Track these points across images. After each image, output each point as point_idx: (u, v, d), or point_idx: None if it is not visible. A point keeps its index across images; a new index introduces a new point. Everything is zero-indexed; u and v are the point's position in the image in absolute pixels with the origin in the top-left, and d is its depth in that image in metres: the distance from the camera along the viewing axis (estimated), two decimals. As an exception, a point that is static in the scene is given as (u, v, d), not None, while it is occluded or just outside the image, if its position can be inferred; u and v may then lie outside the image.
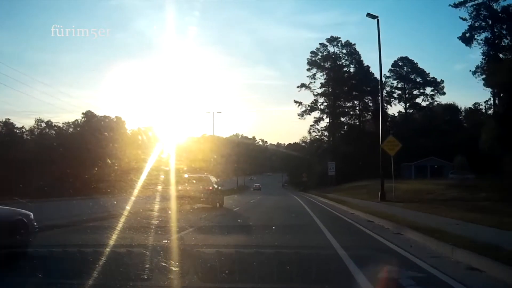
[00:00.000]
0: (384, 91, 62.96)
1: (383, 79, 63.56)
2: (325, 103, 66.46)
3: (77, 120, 61.40)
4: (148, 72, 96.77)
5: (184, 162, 17.86)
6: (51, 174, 22.86)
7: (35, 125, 61.66)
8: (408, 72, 63.20)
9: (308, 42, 75.03)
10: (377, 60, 21.02)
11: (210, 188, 19.17)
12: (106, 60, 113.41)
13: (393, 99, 65.08)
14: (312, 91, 66.60)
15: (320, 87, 65.83)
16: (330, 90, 65.38)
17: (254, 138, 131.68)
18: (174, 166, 15.05)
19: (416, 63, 63.46)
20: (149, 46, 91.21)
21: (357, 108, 66.56)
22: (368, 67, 65.15)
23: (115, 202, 14.80)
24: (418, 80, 63.10)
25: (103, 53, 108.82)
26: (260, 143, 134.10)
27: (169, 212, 13.44)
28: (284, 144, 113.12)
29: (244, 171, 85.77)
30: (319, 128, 66.72)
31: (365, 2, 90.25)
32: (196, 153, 26.36)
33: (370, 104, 65.33)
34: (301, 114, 67.25)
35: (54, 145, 33.35)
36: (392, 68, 63.37)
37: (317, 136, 68.39)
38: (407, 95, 64.08)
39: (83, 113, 67.01)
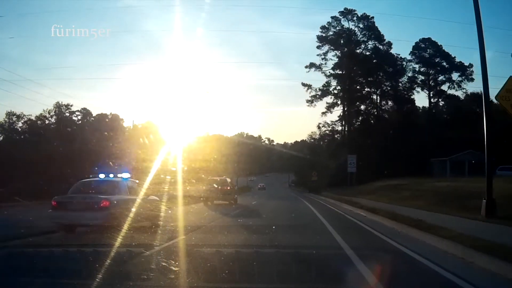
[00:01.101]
0: (405, 77, 60.19)
1: (403, 63, 58.96)
2: (339, 87, 59.29)
3: (49, 110, 59.12)
4: (153, 73, 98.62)
5: (185, 162, 18.56)
6: (40, 174, 23.04)
7: (5, 119, 57.85)
8: (431, 55, 57.66)
9: (314, 42, 73.94)
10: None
11: (228, 188, 24.79)
12: (112, 62, 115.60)
13: (416, 85, 59.20)
14: (324, 72, 59.23)
15: (333, 68, 58.81)
16: (344, 72, 58.26)
17: (260, 137, 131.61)
18: (176, 166, 16.30)
19: (440, 45, 57.88)
20: (156, 48, 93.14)
21: (376, 93, 59.80)
22: (389, 44, 57.87)
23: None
24: (443, 64, 57.63)
25: (109, 55, 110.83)
26: (266, 142, 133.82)
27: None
28: (291, 143, 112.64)
29: (248, 171, 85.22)
30: (329, 122, 60.45)
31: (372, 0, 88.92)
32: (198, 152, 26.82)
33: (389, 88, 59.28)
34: (311, 101, 59.65)
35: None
36: (414, 51, 58.14)
37: (327, 131, 62.21)
38: (431, 82, 58.41)
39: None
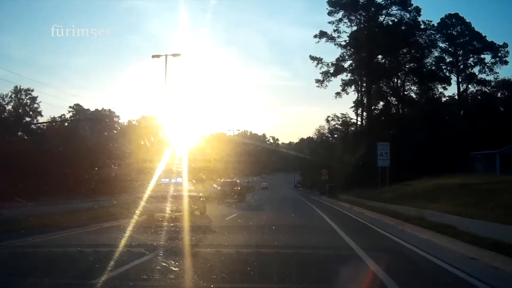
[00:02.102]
0: (430, 58, 53.07)
1: (426, 40, 51.32)
2: (356, 62, 50.89)
3: (3, 96, 52.40)
4: (159, 73, 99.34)
5: (185, 162, 18.97)
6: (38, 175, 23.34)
7: None
8: (460, 34, 52.08)
9: (320, 42, 73.33)
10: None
11: (238, 188, 30.10)
12: (114, 62, 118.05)
13: (444, 65, 52.23)
14: (337, 43, 50.59)
15: (349, 39, 50.25)
16: (362, 43, 49.33)
17: (264, 135, 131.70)
18: (175, 167, 17.22)
19: (469, 22, 52.42)
20: (161, 48, 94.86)
21: (401, 71, 51.64)
22: (417, 10, 49.59)
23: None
24: (474, 43, 51.58)
25: (113, 55, 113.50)
26: (271, 140, 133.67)
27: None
28: (296, 142, 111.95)
29: (251, 171, 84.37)
30: (339, 115, 53.79)
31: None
32: (198, 152, 27.46)
33: (415, 65, 50.54)
34: (321, 80, 51.64)
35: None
36: (439, 28, 52.01)
37: (337, 125, 55.31)
38: (460, 64, 52.43)
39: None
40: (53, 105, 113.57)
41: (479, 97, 52.04)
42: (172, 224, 11.67)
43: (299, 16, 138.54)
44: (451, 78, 51.77)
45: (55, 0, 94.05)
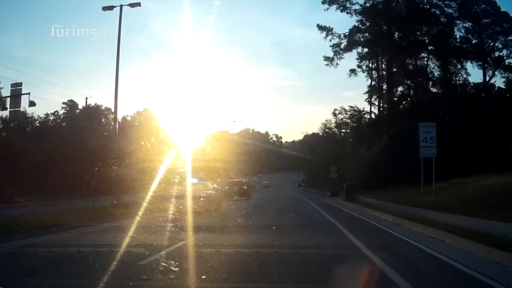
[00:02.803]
0: (454, 39, 47.72)
1: (456, 10, 45.42)
2: (373, 35, 42.59)
3: None
4: (161, 73, 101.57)
5: (185, 161, 19.43)
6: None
7: None
8: (484, 13, 46.86)
9: (323, 42, 72.35)
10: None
11: (245, 187, 35.26)
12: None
13: (468, 46, 46.01)
14: (350, 11, 41.66)
15: (364, 7, 41.83)
16: (379, 10, 41.49)
17: (267, 133, 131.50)
18: (174, 167, 18.24)
19: (494, 0, 47.20)
20: (164, 49, 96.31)
21: (430, 48, 44.67)
22: None
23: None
24: (503, 24, 46.09)
25: (114, 55, 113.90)
26: (274, 138, 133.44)
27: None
28: (300, 140, 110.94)
29: (252, 170, 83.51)
30: (347, 108, 49.40)
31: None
32: (198, 152, 27.71)
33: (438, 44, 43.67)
34: (330, 58, 43.50)
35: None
36: (461, 7, 46.46)
37: (344, 119, 51.11)
38: (486, 47, 47.21)
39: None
40: (57, 103, 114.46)
41: (507, 84, 47.15)
42: (188, 222, 12.04)
43: (302, 16, 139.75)
44: (489, 55, 45.33)
45: (55, 0, 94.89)
